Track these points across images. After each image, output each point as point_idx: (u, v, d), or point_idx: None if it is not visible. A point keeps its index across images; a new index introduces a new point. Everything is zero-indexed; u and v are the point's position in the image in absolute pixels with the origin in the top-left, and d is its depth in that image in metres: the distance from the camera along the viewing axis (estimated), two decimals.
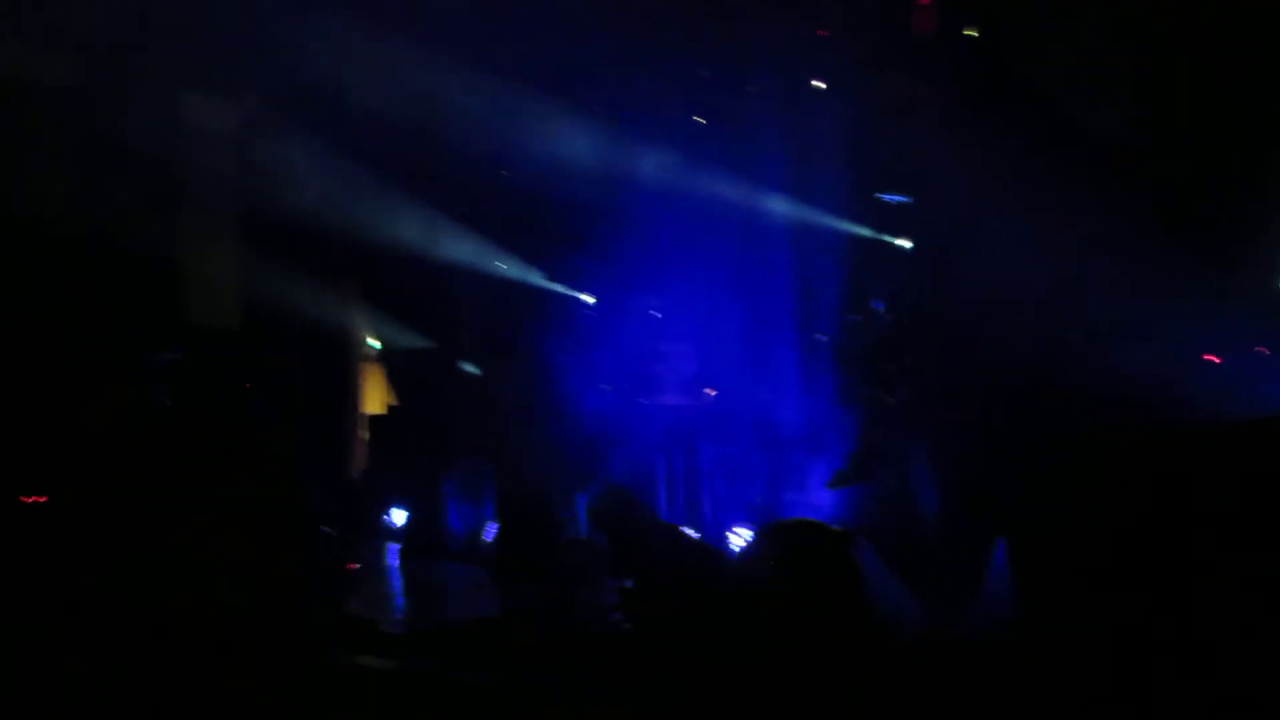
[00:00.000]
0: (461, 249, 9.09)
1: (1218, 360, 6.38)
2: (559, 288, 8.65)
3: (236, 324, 8.66)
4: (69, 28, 7.66)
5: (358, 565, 7.23)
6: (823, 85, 8.06)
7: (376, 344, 9.94)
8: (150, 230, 8.16)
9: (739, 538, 7.02)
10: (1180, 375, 6.14)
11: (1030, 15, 6.85)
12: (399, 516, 8.07)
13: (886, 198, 5.91)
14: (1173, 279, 6.25)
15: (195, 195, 8.65)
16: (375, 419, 9.35)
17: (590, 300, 8.41)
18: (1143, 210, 6.35)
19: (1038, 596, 4.53)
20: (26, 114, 7.82)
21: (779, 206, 7.73)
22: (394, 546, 8.10)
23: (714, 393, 8.11)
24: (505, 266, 8.73)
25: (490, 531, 7.69)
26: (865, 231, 6.73)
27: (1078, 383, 6.28)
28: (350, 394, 9.48)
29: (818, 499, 6.94)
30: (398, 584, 7.48)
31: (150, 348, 7.20)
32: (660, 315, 8.17)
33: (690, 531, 7.23)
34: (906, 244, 7.09)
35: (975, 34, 7.10)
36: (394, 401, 9.40)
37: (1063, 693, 3.84)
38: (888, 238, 6.92)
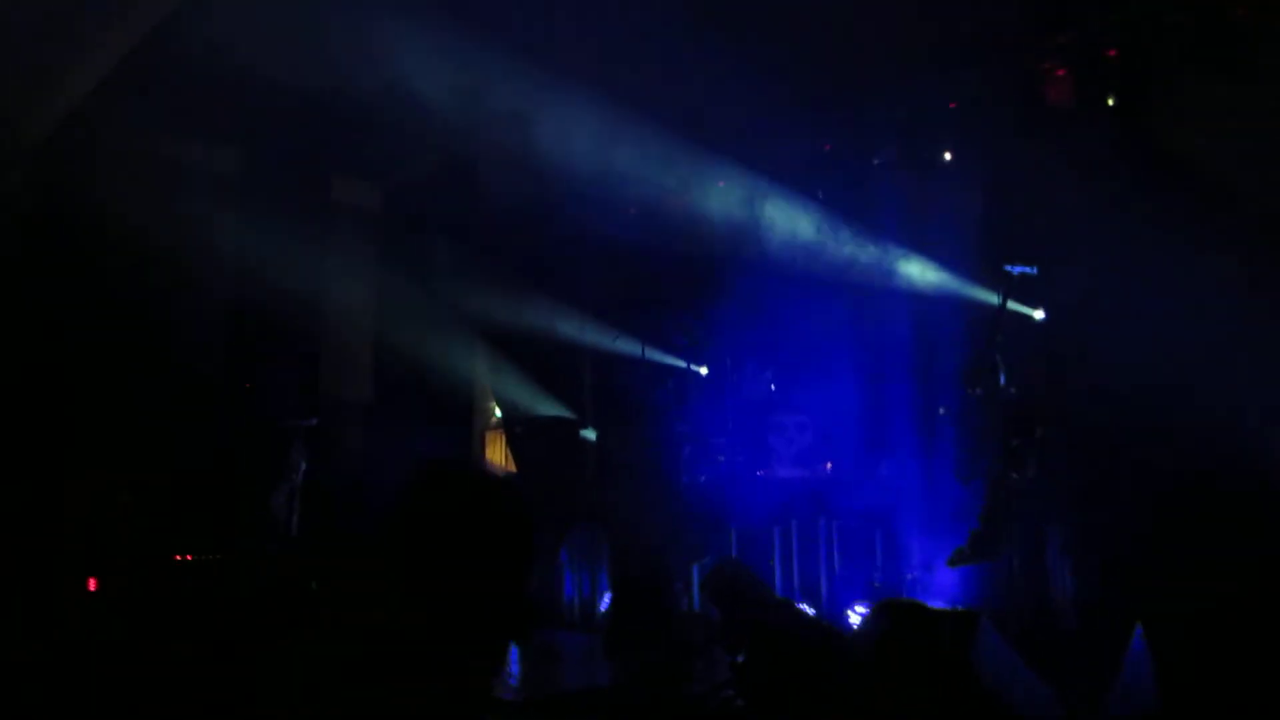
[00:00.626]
0: (582, 321, 9.30)
1: None
2: (678, 359, 8.73)
3: (368, 393, 9.05)
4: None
5: None
6: (949, 156, 8.03)
7: (499, 411, 10.20)
8: (297, 305, 8.65)
9: (857, 615, 6.84)
10: None
11: (1166, 85, 6.70)
12: None
13: (1013, 269, 5.78)
14: None
15: (339, 275, 9.10)
16: None
17: (703, 371, 8.45)
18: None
19: (1179, 685, 4.29)
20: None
21: (900, 276, 7.67)
22: None
23: (830, 465, 7.99)
24: (625, 337, 8.86)
25: (605, 601, 7.70)
26: (992, 301, 6.57)
27: (1219, 465, 5.97)
28: (473, 460, 9.72)
29: (940, 578, 6.72)
30: (513, 650, 7.55)
31: (291, 415, 7.55)
32: (775, 387, 8.13)
33: (806, 608, 7.08)
34: (1036, 314, 6.92)
35: (1112, 103, 6.96)
36: (514, 468, 9.59)
37: None
38: (1015, 308, 6.77)
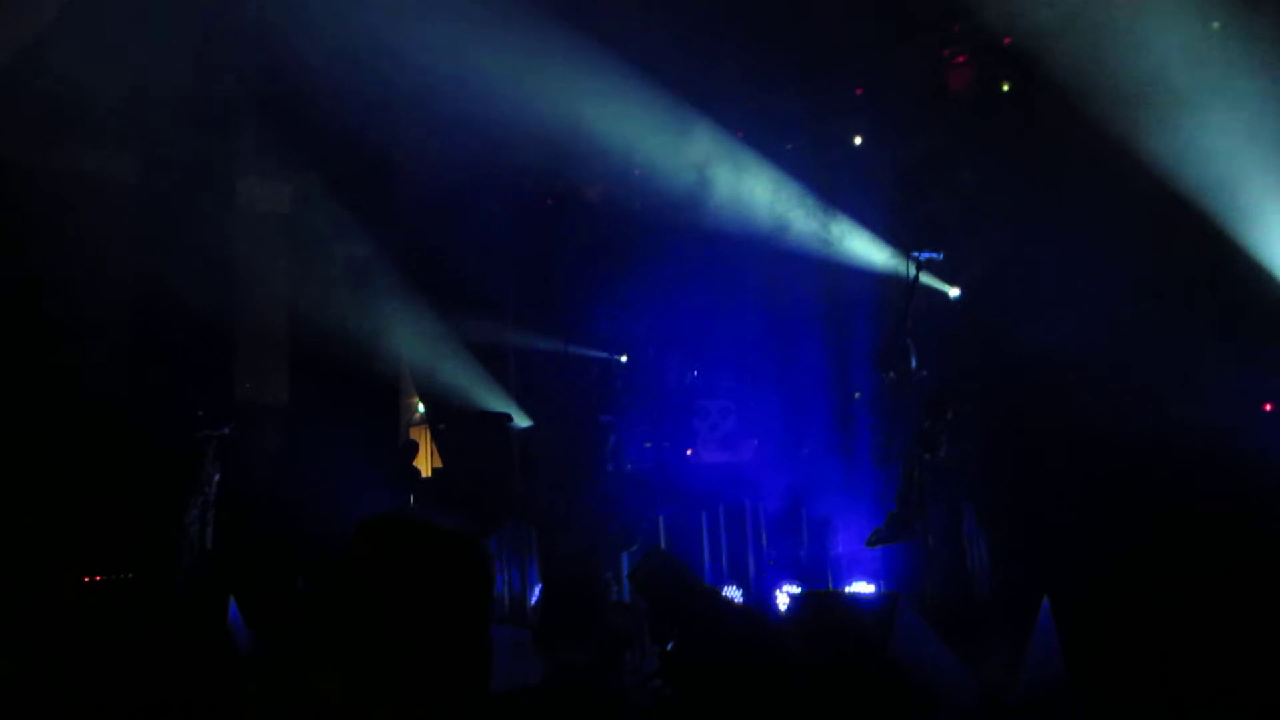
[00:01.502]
0: (498, 317, 9.24)
1: (1270, 408, 6.24)
2: (597, 351, 8.73)
3: (284, 397, 8.88)
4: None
5: None
6: (859, 141, 8.14)
7: (422, 407, 10.11)
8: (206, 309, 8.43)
9: (785, 596, 6.96)
10: (1237, 424, 6.01)
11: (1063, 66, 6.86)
12: None
13: (920, 255, 5.90)
14: (1226, 327, 6.16)
15: (249, 279, 8.90)
16: (422, 482, 9.46)
17: (623, 359, 8.47)
18: (1192, 258, 6.28)
19: (1084, 657, 4.46)
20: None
21: (815, 262, 7.78)
22: None
23: (755, 448, 8.09)
24: (543, 332, 8.84)
25: (535, 594, 7.71)
26: (901, 285, 6.70)
27: (1130, 434, 6.18)
28: (397, 459, 9.61)
29: (863, 556, 6.86)
30: None
31: (204, 424, 7.37)
32: (697, 372, 8.20)
33: (734, 591, 7.18)
34: (952, 292, 7.08)
35: (1007, 88, 7.12)
36: (439, 465, 9.51)
37: None
38: (931, 284, 6.92)
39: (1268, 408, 6.15)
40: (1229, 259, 6.10)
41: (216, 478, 7.31)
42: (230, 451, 7.69)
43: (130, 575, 6.87)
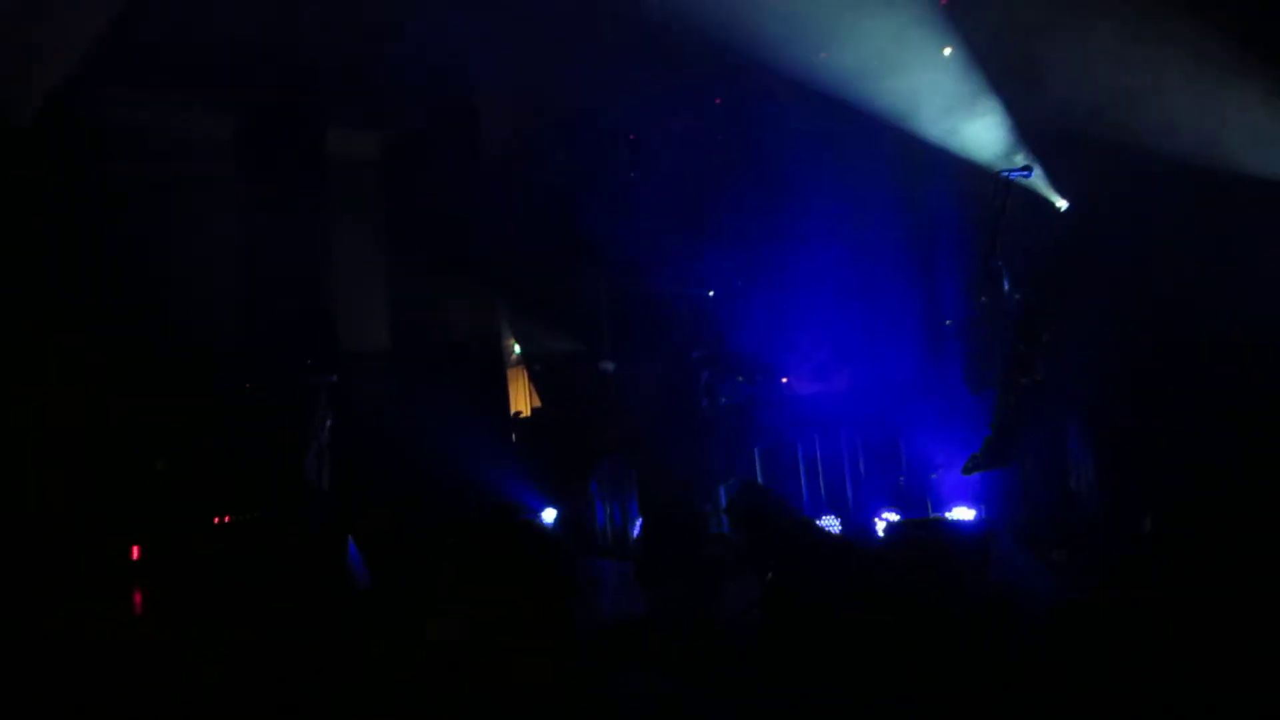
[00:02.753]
0: (595, 252, 9.30)
1: None
2: (687, 288, 8.74)
3: (386, 343, 9.16)
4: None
5: None
6: (948, 50, 7.83)
7: (518, 348, 10.30)
8: (304, 257, 8.72)
9: (883, 523, 6.97)
10: None
11: None
12: (548, 515, 8.36)
13: (1009, 174, 5.72)
14: None
15: (344, 228, 9.14)
16: (521, 422, 9.70)
17: (711, 294, 8.43)
18: None
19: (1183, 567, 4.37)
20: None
21: (904, 185, 7.60)
22: None
23: (849, 372, 8.04)
24: (633, 270, 8.87)
25: (636, 528, 7.89)
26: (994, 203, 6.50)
27: (1227, 350, 5.96)
28: (498, 399, 9.84)
29: (961, 482, 6.80)
30: None
31: (309, 372, 7.69)
32: (788, 305, 8.15)
33: (831, 521, 7.23)
34: (1060, 203, 6.78)
35: None
36: (538, 404, 9.72)
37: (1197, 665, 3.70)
38: (1030, 199, 6.70)
39: None
40: None
41: (329, 423, 7.65)
42: (340, 398, 8.03)
43: (257, 516, 7.25)
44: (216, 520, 7.24)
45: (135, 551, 6.30)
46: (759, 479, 7.85)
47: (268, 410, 7.75)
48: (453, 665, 3.70)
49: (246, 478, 7.50)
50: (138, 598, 5.91)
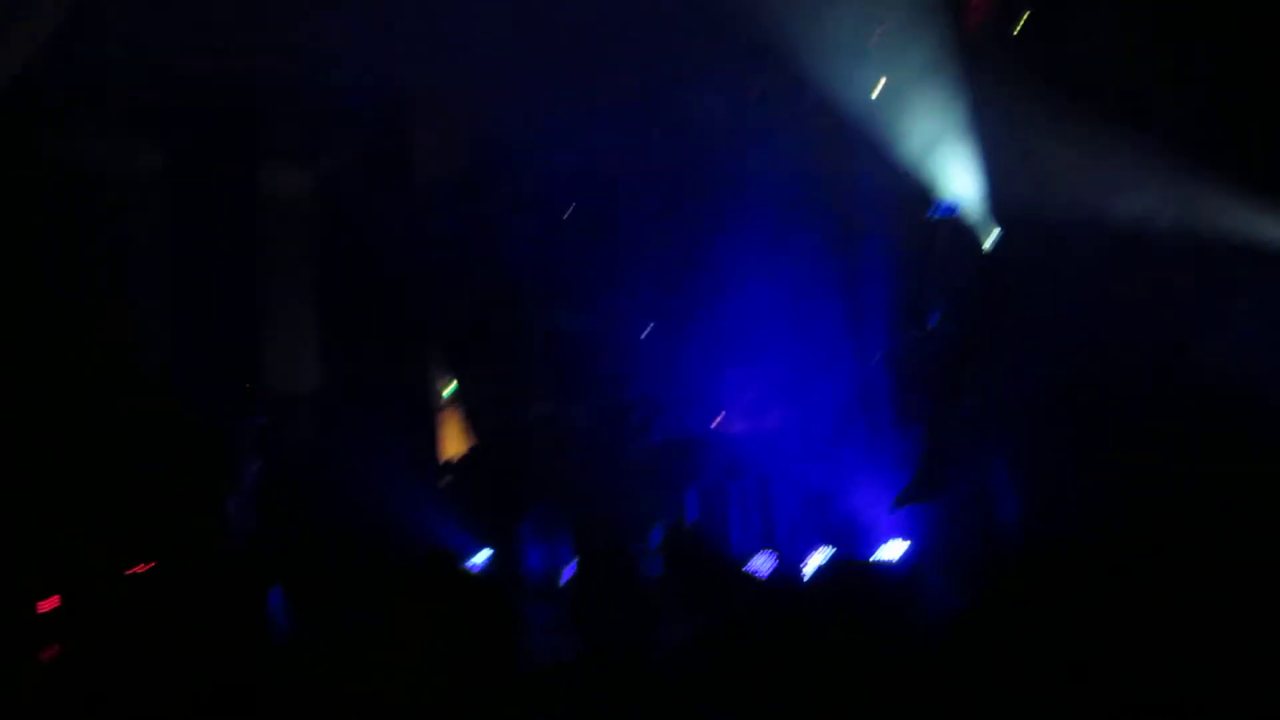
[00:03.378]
0: (528, 291, 9.28)
1: None
2: (619, 326, 8.75)
3: (315, 384, 8.99)
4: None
5: None
6: (875, 94, 8.01)
7: (450, 389, 10.19)
8: (233, 296, 8.56)
9: (814, 562, 6.99)
10: (1260, 368, 5.96)
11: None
12: (480, 558, 8.23)
13: (938, 209, 5.85)
14: (1250, 271, 6.07)
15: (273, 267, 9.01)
16: (452, 464, 9.57)
17: (645, 333, 8.46)
18: (1213, 203, 6.18)
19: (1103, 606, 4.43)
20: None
21: (831, 226, 7.72)
22: None
23: (780, 410, 8.09)
24: (567, 309, 8.87)
25: (568, 571, 7.80)
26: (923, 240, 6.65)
27: (1153, 379, 6.13)
28: (429, 441, 9.71)
29: (893, 518, 6.87)
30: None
31: (239, 415, 7.51)
32: (718, 343, 8.20)
33: (762, 559, 7.22)
34: (992, 232, 6.92)
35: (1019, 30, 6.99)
36: (470, 445, 9.61)
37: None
38: (959, 235, 6.84)
39: None
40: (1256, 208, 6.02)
41: (255, 467, 7.46)
42: (267, 440, 7.85)
43: (175, 563, 7.02)
44: (138, 569, 7.01)
45: (54, 601, 6.07)
46: (692, 520, 7.83)
47: (191, 453, 7.54)
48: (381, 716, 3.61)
49: (168, 523, 7.28)
50: (51, 651, 5.67)
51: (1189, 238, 6.20)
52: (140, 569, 6.98)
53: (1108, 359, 6.29)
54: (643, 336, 8.49)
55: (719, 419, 8.17)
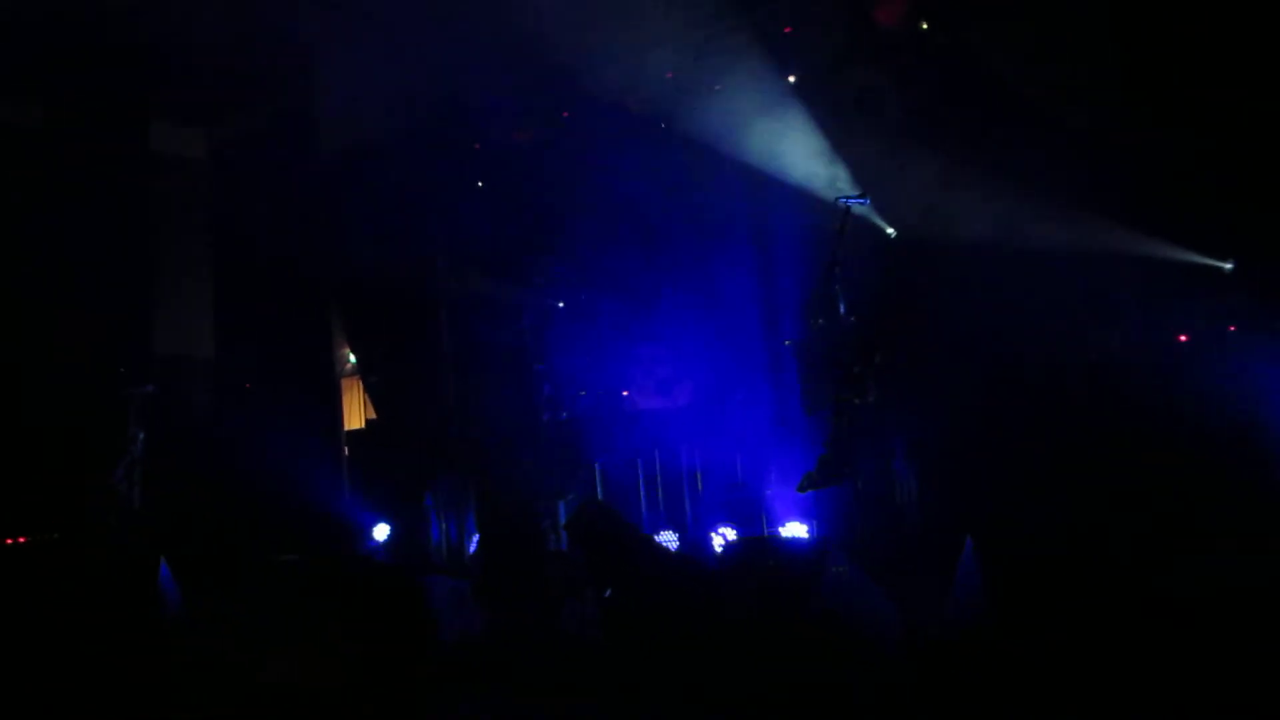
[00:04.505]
0: (429, 264, 9.11)
1: (1184, 339, 6.46)
2: (531, 298, 8.66)
3: (210, 350, 8.68)
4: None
5: None
6: (793, 79, 8.07)
7: (353, 358, 9.96)
8: (120, 259, 8.16)
9: (720, 540, 7.07)
10: (1154, 358, 6.24)
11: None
12: (382, 532, 8.09)
13: (846, 201, 5.93)
14: (1144, 262, 6.33)
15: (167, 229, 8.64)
16: (355, 434, 9.37)
17: (560, 305, 8.39)
18: (1112, 198, 6.41)
19: (1006, 593, 4.61)
20: None
21: (746, 207, 7.76)
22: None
23: (690, 388, 8.14)
24: (477, 279, 8.73)
25: (473, 544, 7.73)
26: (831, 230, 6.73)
27: (1051, 372, 6.36)
28: (330, 410, 9.48)
29: (796, 497, 6.98)
30: None
31: (125, 382, 7.18)
32: (631, 322, 8.20)
33: (669, 537, 7.29)
34: (889, 231, 7.08)
35: (926, 27, 7.12)
36: (372, 416, 9.41)
37: (1029, 686, 3.92)
38: (862, 228, 6.94)
39: (1182, 339, 6.38)
40: (1153, 196, 6.26)
41: (141, 436, 7.16)
42: (155, 409, 7.53)
43: (56, 537, 6.71)
44: (10, 541, 6.69)
45: None
46: (599, 495, 7.84)
47: (73, 421, 7.19)
48: (290, 703, 3.52)
49: (47, 494, 6.94)
50: None
51: (1082, 239, 6.43)
52: (18, 541, 6.67)
53: (1006, 351, 6.49)
54: (559, 305, 8.38)
55: (628, 394, 8.17)
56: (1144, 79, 6.12)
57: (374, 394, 9.49)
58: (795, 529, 6.80)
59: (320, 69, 8.82)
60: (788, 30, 8.03)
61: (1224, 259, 6.13)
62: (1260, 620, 3.91)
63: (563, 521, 7.53)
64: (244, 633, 4.64)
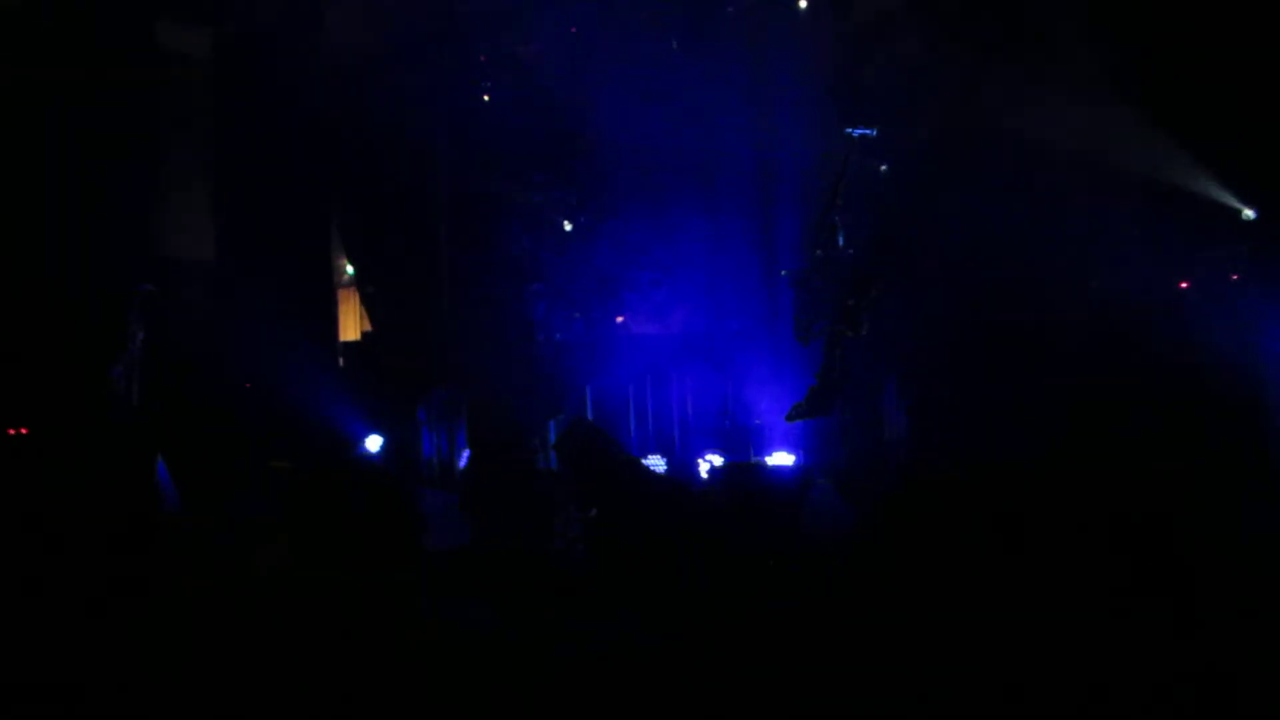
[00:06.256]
0: (428, 179, 9.05)
1: (1186, 285, 6.49)
2: (531, 214, 8.62)
3: (210, 253, 8.65)
4: None
5: None
6: (804, 4, 7.94)
7: (350, 269, 9.95)
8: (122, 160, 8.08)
9: (706, 464, 7.19)
10: (1154, 303, 6.27)
11: None
12: (374, 443, 8.19)
13: (853, 131, 5.90)
14: (1148, 208, 6.32)
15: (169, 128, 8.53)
16: (350, 345, 9.41)
17: (560, 225, 8.36)
18: (1120, 142, 6.38)
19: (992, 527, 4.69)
20: None
21: (747, 135, 7.71)
22: None
23: (685, 315, 8.18)
24: (475, 196, 8.67)
25: (463, 459, 7.84)
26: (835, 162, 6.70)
27: (1050, 313, 6.39)
28: (326, 319, 9.49)
29: (785, 426, 7.08)
30: None
31: (124, 281, 7.19)
32: (630, 245, 8.19)
33: (656, 460, 7.40)
34: (881, 167, 7.08)
35: None
36: (368, 328, 9.45)
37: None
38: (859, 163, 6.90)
39: (1183, 285, 6.42)
40: (1154, 145, 6.23)
41: (141, 335, 7.19)
42: (154, 308, 7.55)
43: (56, 430, 6.79)
44: (11, 432, 6.76)
45: None
46: (589, 417, 7.93)
47: (73, 317, 7.21)
48: (281, 594, 3.62)
49: (46, 388, 7.00)
50: None
51: (1087, 169, 6.39)
52: (19, 431, 6.74)
53: (1004, 290, 6.51)
54: (565, 226, 8.35)
55: (623, 319, 8.21)
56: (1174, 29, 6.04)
57: (370, 305, 9.51)
58: (782, 458, 6.92)
59: None
60: None
61: (1246, 205, 6.10)
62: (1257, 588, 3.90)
63: (552, 441, 7.64)
64: (237, 530, 4.74)
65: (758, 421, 7.53)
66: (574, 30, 8.79)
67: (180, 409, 7.15)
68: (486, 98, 8.78)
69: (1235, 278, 6.28)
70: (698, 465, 7.32)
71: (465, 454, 7.81)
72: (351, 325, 9.80)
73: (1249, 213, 6.18)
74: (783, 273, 6.89)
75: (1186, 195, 6.26)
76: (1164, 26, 6.11)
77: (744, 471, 5.28)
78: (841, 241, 5.99)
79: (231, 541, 4.64)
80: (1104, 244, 6.37)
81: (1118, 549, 4.14)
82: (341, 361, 9.18)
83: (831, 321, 5.92)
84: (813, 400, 6.01)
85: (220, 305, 8.67)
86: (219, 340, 8.19)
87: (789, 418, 6.19)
